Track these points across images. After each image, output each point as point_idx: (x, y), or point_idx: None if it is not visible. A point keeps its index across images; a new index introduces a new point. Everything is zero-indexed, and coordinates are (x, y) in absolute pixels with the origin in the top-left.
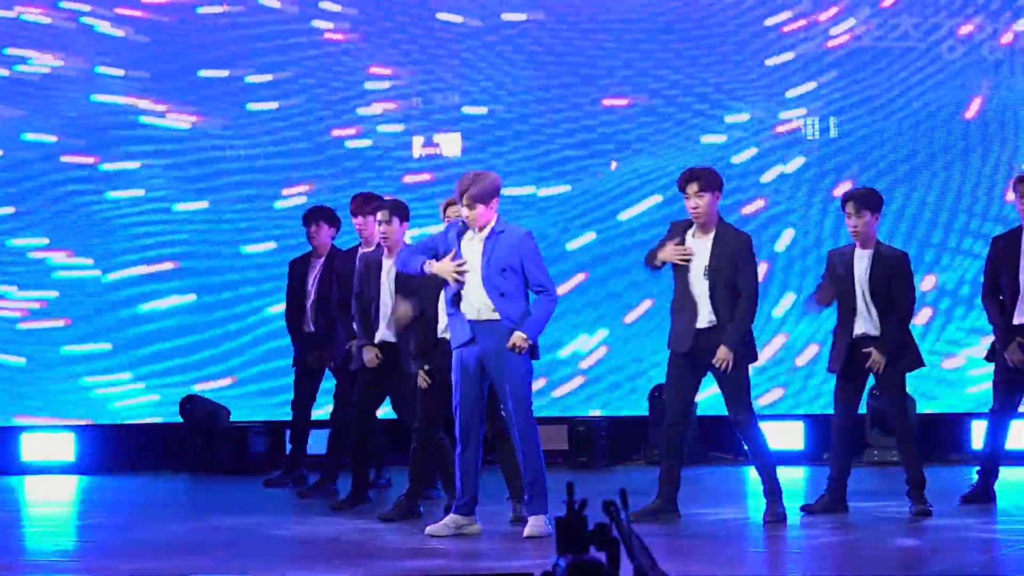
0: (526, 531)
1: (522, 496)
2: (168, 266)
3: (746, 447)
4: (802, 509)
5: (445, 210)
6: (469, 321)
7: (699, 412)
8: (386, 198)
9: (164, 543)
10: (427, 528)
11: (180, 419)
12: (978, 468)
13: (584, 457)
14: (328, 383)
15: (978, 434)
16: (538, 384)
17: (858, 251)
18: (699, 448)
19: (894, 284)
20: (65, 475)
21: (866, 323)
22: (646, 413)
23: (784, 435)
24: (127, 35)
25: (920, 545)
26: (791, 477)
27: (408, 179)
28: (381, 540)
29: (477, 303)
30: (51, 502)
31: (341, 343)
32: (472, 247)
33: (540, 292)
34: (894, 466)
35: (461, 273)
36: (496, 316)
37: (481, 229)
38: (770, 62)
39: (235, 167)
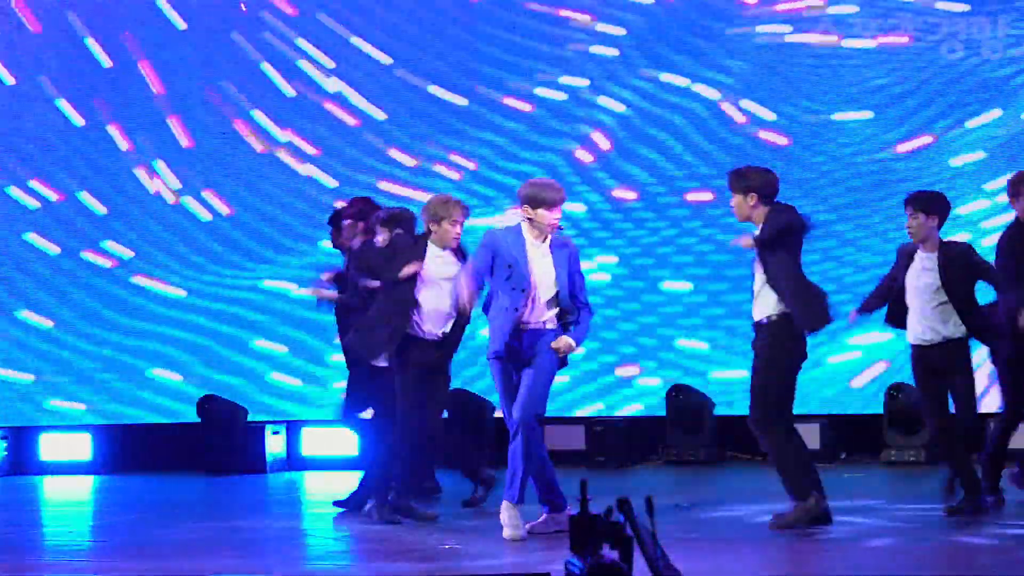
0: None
1: None
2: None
3: None
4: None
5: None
6: (522, 328)
7: (716, 411)
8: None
9: (181, 543)
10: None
11: (198, 419)
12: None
13: (602, 457)
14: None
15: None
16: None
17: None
18: (717, 448)
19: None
20: (82, 475)
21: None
22: (663, 413)
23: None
24: None
25: (939, 544)
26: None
27: None
28: (398, 541)
29: (544, 314)
30: (68, 501)
31: None
32: (544, 258)
33: (583, 306)
34: (912, 467)
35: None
36: (550, 326)
37: (545, 236)
38: None
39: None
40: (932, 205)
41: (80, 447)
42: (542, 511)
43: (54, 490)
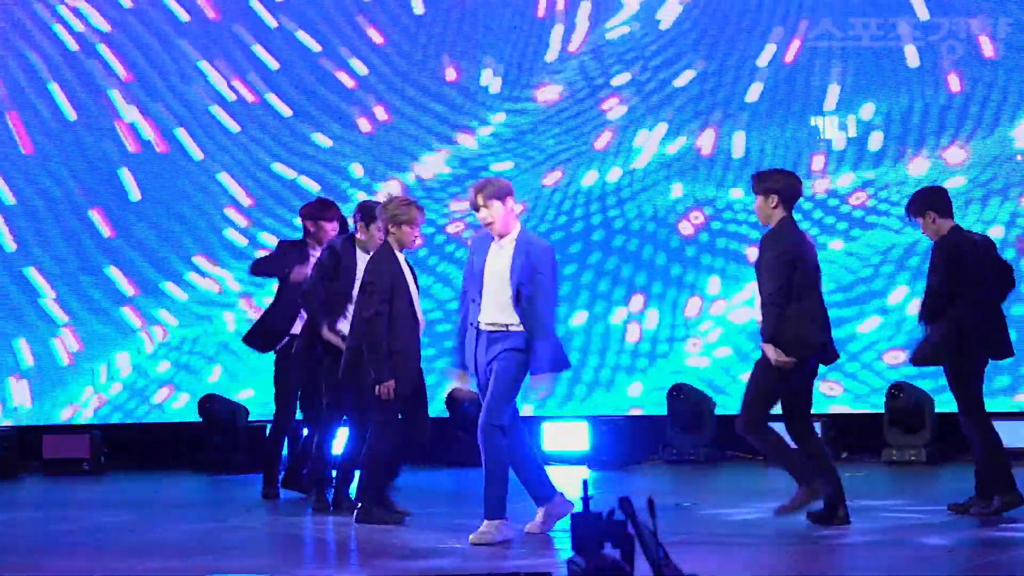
0: (473, 536)
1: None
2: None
3: None
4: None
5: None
6: (483, 332)
7: (717, 411)
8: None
9: (182, 543)
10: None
11: (199, 418)
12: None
13: (604, 456)
14: None
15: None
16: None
17: None
18: (718, 447)
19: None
20: (83, 474)
21: None
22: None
23: None
24: None
25: (938, 544)
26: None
27: None
28: (398, 540)
29: (500, 315)
30: (69, 501)
31: None
32: (499, 258)
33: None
34: (912, 466)
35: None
36: (515, 328)
37: (503, 236)
38: None
39: None
40: (915, 206)
41: (81, 447)
42: (538, 509)
43: (55, 490)
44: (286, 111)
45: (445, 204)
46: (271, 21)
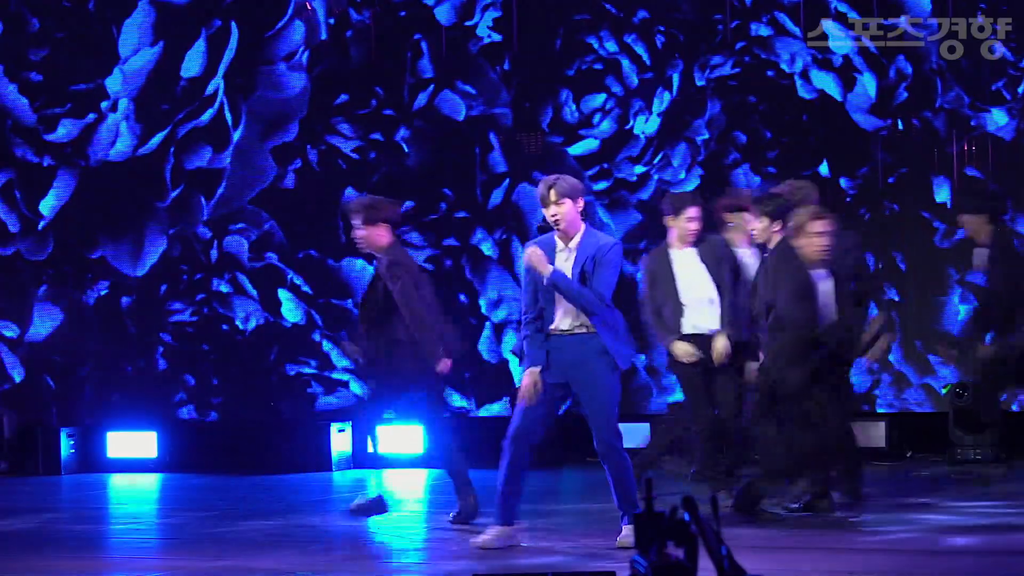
0: (620, 540)
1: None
2: None
3: None
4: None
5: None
6: (555, 336)
7: None
8: None
9: (245, 541)
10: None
11: (263, 416)
12: None
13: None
14: None
15: None
16: None
17: None
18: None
19: None
20: (148, 472)
21: None
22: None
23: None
24: None
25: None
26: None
27: None
28: (462, 540)
29: (574, 319)
30: (134, 499)
31: None
32: (567, 263)
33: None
34: (978, 465)
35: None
36: (587, 330)
37: (570, 237)
38: None
39: None
40: (764, 206)
41: (146, 445)
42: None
43: (120, 488)
44: None
45: None
46: None
